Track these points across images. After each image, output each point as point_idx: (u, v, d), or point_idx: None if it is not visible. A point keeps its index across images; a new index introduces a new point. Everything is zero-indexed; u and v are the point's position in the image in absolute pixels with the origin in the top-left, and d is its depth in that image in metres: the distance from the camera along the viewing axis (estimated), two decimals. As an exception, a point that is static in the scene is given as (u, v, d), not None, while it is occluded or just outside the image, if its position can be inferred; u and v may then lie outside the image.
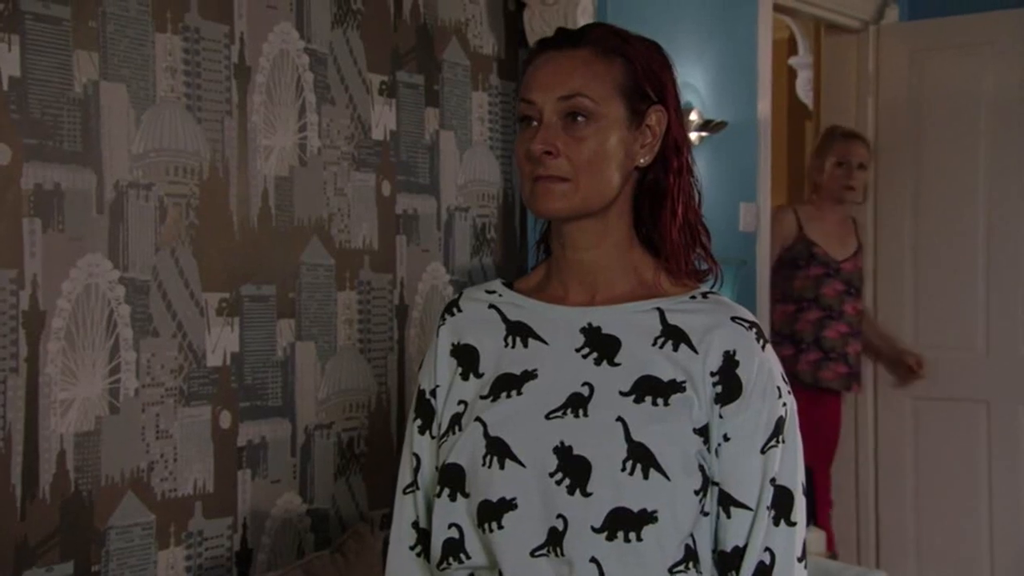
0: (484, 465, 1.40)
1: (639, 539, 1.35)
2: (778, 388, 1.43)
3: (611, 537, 1.35)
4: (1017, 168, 3.99)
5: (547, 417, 1.41)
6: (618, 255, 1.47)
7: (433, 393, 1.52)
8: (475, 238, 3.13)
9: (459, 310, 1.54)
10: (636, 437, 1.37)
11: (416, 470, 1.52)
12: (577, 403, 1.41)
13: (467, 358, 1.49)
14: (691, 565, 1.39)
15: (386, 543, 2.76)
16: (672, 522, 1.36)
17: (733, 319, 1.44)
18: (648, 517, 1.35)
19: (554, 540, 1.37)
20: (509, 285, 1.55)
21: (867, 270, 4.35)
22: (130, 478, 2.30)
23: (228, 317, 2.50)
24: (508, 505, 1.38)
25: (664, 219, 1.46)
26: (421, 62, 2.96)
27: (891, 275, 4.38)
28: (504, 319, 1.50)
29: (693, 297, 1.46)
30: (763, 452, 1.41)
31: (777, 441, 1.42)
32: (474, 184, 3.12)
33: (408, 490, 1.54)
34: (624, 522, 1.35)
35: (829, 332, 4.10)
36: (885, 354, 4.35)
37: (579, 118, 1.40)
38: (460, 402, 1.48)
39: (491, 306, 1.52)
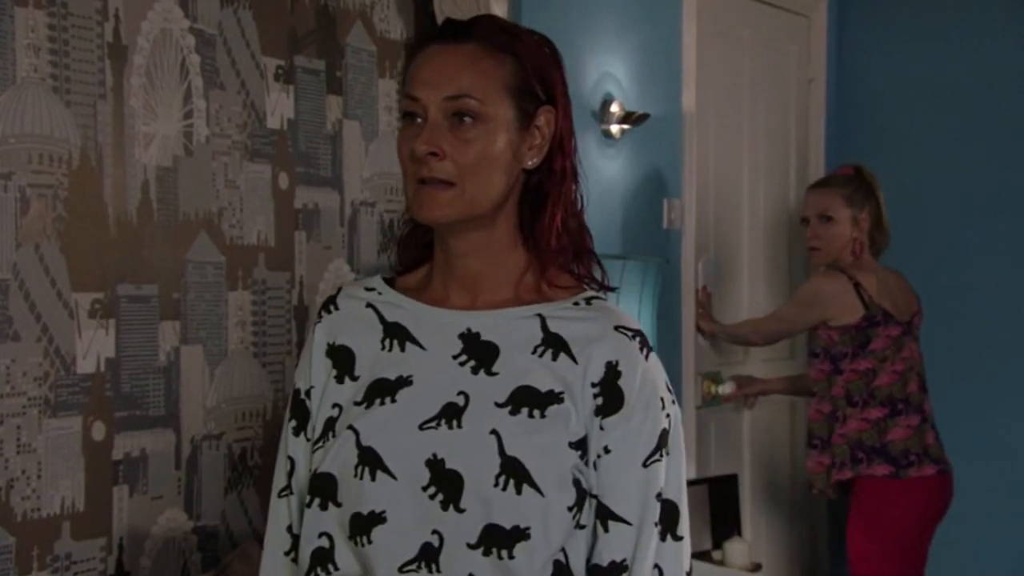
0: (356, 476, 1.36)
1: (511, 557, 1.31)
2: (661, 399, 1.39)
3: (487, 553, 1.32)
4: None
5: (420, 428, 1.36)
6: (501, 260, 1.42)
7: (308, 394, 1.46)
8: (382, 235, 2.95)
9: (336, 308, 1.48)
10: (510, 451, 1.33)
11: (290, 474, 1.47)
12: (451, 413, 1.36)
13: (342, 359, 1.43)
14: None
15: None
16: (544, 539, 1.33)
17: (616, 328, 1.39)
18: (520, 534, 1.31)
19: (428, 556, 1.33)
20: (390, 281, 1.49)
21: None
22: (-15, 497, 2.08)
23: (103, 319, 2.29)
24: (378, 519, 1.34)
25: (543, 224, 1.41)
26: (322, 46, 2.77)
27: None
28: (382, 320, 1.44)
29: (576, 303, 1.41)
30: (645, 465, 1.37)
31: (661, 454, 1.38)
32: (381, 177, 2.94)
33: (283, 494, 1.48)
34: (497, 539, 1.32)
35: None
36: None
37: (465, 119, 1.36)
38: (334, 405, 1.42)
39: (368, 304, 1.45)
